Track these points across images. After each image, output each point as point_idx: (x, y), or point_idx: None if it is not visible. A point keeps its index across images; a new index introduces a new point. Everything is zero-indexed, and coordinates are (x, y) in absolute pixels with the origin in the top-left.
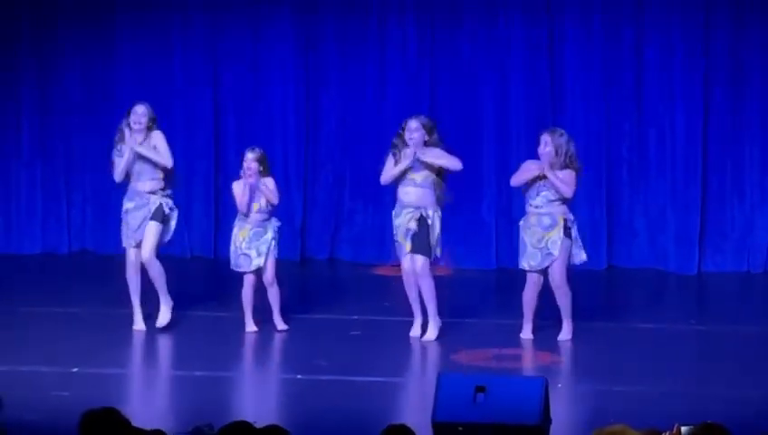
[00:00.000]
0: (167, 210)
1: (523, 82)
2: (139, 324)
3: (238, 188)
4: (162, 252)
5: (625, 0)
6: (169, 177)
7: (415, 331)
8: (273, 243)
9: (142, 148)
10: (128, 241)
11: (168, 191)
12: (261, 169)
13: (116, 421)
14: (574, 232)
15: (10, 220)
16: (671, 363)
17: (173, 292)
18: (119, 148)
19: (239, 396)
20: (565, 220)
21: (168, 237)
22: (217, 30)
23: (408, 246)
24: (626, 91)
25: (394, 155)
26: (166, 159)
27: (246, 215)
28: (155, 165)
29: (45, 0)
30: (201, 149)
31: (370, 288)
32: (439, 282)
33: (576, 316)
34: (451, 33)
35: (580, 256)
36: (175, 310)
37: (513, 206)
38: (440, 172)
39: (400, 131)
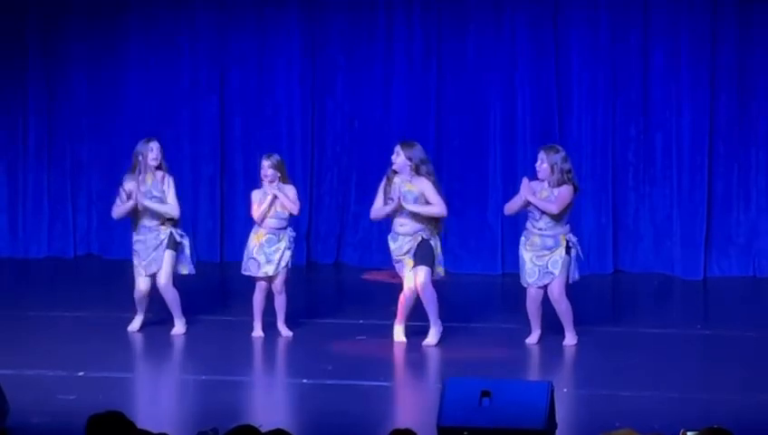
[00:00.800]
0: (178, 238)
1: (530, 85)
2: (134, 326)
3: (257, 197)
4: None
5: (631, 5)
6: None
7: (399, 335)
8: (288, 253)
9: (149, 202)
10: (137, 271)
11: (176, 221)
12: (279, 175)
13: (122, 425)
14: (574, 252)
15: (16, 224)
16: (677, 368)
17: (178, 295)
18: (126, 188)
19: (245, 400)
20: (567, 240)
21: (186, 270)
22: (224, 33)
23: (410, 262)
24: (632, 95)
25: (385, 190)
26: (173, 210)
27: (260, 225)
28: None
29: (53, 4)
30: (207, 153)
31: (376, 293)
32: (443, 285)
33: (582, 321)
34: (457, 35)
35: (573, 276)
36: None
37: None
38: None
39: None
